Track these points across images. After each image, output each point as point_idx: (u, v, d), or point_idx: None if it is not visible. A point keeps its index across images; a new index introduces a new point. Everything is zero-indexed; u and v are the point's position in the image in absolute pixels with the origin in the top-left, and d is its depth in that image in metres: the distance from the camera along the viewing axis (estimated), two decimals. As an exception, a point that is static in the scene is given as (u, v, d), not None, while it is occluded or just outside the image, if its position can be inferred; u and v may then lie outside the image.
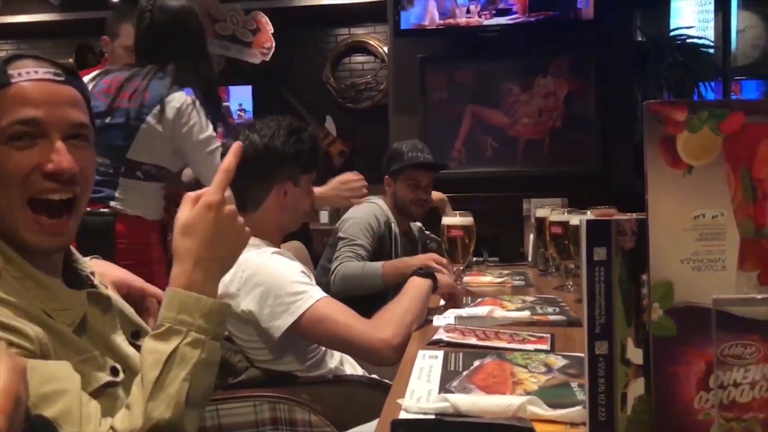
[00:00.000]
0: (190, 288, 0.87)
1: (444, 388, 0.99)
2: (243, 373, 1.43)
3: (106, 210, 1.92)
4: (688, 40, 3.55)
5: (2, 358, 0.54)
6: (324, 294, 1.43)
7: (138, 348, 0.92)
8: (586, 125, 3.17)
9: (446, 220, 1.83)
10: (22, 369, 0.56)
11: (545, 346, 1.21)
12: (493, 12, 3.24)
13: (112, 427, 0.80)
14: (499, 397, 0.94)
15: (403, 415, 0.89)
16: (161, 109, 1.96)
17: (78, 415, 0.77)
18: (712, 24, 3.96)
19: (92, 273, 0.99)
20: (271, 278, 1.42)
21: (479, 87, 3.23)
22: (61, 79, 0.90)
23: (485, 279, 2.13)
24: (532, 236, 2.44)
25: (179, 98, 1.97)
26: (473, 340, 1.25)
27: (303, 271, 1.48)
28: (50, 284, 0.89)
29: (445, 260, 1.79)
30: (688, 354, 0.74)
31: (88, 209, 1.88)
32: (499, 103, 3.22)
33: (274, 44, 5.41)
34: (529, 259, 2.46)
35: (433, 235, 2.64)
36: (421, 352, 1.18)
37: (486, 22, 3.21)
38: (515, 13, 3.19)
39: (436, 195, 2.61)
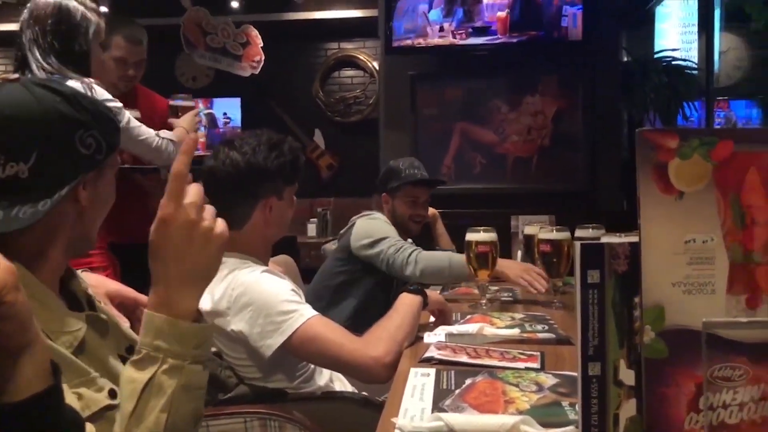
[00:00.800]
0: (165, 310, 0.82)
1: (437, 406, 1.00)
2: (234, 388, 1.43)
3: None
4: (673, 62, 3.62)
5: None
6: (314, 312, 1.43)
7: None
8: (573, 144, 3.21)
9: (472, 236, 1.87)
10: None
11: (536, 365, 1.22)
12: (470, 31, 3.16)
13: None
14: (492, 416, 0.95)
15: (397, 434, 0.90)
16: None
17: None
18: (695, 45, 4.04)
19: (88, 290, 0.99)
20: (261, 297, 1.42)
21: (469, 104, 3.26)
22: None
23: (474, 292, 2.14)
24: (520, 252, 2.46)
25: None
26: (464, 358, 1.26)
27: (293, 290, 1.48)
28: (53, 305, 0.88)
29: (542, 272, 1.92)
30: (678, 376, 0.76)
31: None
32: (488, 120, 3.26)
33: (263, 57, 5.43)
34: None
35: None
36: (413, 370, 1.19)
37: (462, 42, 3.14)
38: (494, 32, 3.14)
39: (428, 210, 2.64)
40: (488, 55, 3.12)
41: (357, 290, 2.40)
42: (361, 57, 5.88)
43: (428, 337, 1.45)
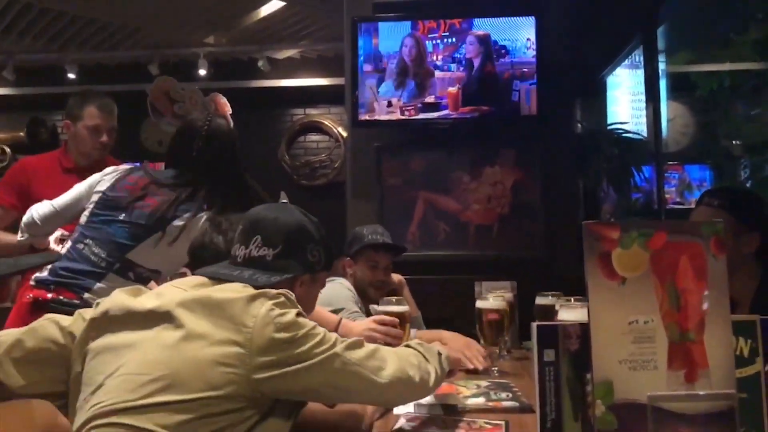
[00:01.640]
0: None
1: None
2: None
3: (77, 301, 1.87)
4: (623, 135, 3.84)
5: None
6: None
7: None
8: (532, 212, 3.34)
9: (481, 304, 1.99)
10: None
11: (500, 434, 1.28)
12: (419, 106, 3.20)
13: None
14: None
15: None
16: (184, 226, 1.99)
17: None
18: (644, 113, 4.28)
19: None
20: None
21: (432, 174, 3.38)
22: None
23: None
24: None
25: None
26: (433, 430, 1.31)
27: None
28: None
29: (482, 349, 2.00)
30: (628, 446, 0.84)
31: (61, 297, 1.90)
32: (451, 190, 3.38)
33: (232, 124, 5.52)
34: (481, 341, 2.54)
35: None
36: (384, 442, 1.24)
37: (414, 117, 3.19)
38: (446, 107, 3.20)
39: (394, 277, 2.69)
40: (448, 128, 3.26)
41: None
42: (326, 122, 6.05)
43: (398, 408, 1.50)
